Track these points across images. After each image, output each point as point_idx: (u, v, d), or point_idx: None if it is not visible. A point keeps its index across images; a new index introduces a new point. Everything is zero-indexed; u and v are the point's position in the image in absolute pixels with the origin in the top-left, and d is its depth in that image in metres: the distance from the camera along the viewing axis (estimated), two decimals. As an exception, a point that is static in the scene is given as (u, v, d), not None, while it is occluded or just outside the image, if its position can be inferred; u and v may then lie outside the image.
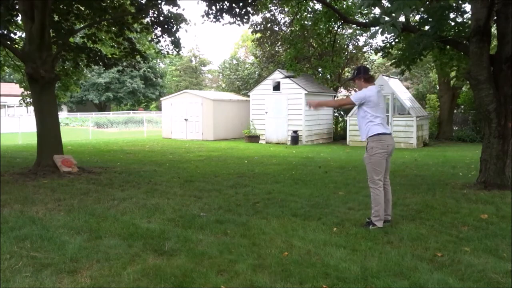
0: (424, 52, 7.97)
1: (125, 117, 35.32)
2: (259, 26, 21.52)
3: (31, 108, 12.32)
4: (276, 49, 23.04)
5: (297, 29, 13.35)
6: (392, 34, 6.16)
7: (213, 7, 10.37)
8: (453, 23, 7.55)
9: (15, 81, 19.84)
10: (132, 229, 4.59)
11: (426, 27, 7.56)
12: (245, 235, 4.43)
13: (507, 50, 6.69)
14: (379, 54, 9.73)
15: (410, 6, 4.31)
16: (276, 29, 21.68)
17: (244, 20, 10.71)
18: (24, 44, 9.07)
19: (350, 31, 21.11)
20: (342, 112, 21.30)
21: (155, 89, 45.46)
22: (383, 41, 9.26)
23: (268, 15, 21.12)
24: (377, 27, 4.37)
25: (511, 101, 6.74)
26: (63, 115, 36.62)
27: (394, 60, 8.49)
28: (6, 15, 9.49)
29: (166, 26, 10.96)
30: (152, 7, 10.65)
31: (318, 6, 12.65)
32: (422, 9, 7.88)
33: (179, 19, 10.92)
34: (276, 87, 17.76)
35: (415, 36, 7.47)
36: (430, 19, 7.05)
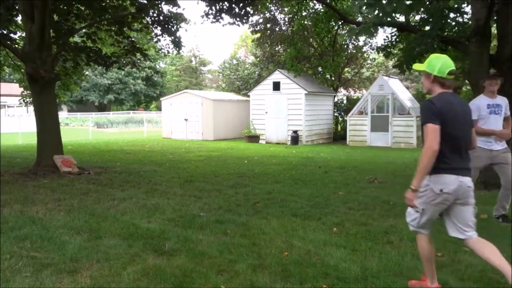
0: (426, 55, 7.97)
1: (125, 117, 35.29)
2: (258, 26, 21.53)
3: (31, 108, 12.32)
4: (276, 49, 23.03)
5: (297, 29, 13.36)
6: (373, 35, 6.19)
7: (213, 8, 10.37)
8: (453, 23, 7.56)
9: (15, 80, 19.84)
10: (132, 229, 4.59)
11: (427, 28, 7.56)
12: (245, 235, 4.43)
13: (507, 50, 6.70)
14: (380, 53, 9.72)
15: (393, 10, 4.34)
16: (276, 29, 21.68)
17: (244, 21, 10.72)
18: (24, 44, 9.07)
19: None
20: (342, 112, 21.31)
21: (155, 88, 45.49)
22: (384, 39, 9.28)
23: (268, 15, 21.13)
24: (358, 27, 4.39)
25: (511, 101, 6.74)
26: (63, 115, 36.60)
27: (397, 63, 8.48)
28: (7, 15, 9.49)
29: (166, 25, 10.96)
30: (152, 7, 10.65)
31: (318, 6, 12.67)
32: (422, 9, 7.88)
33: (179, 18, 10.93)
34: (276, 87, 17.77)
35: (416, 37, 7.47)
36: (430, 19, 7.06)
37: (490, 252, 3.03)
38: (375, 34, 6.81)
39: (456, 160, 2.98)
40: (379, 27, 6.60)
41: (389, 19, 5.90)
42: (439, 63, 3.00)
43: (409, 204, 3.02)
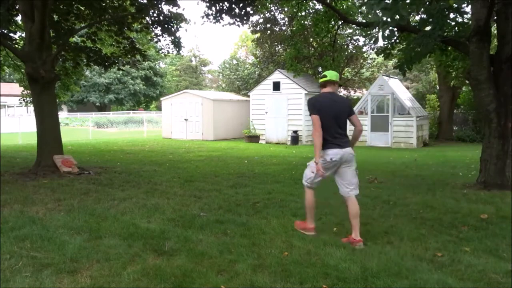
0: (427, 55, 7.95)
1: (125, 117, 35.30)
2: (258, 26, 21.53)
3: (31, 108, 12.32)
4: (276, 49, 23.04)
5: (297, 29, 13.37)
6: (390, 37, 6.16)
7: (213, 8, 10.37)
8: (453, 23, 7.56)
9: (15, 80, 19.83)
10: (132, 229, 4.58)
11: (427, 28, 7.55)
12: (245, 235, 4.43)
13: (507, 50, 6.69)
14: (381, 55, 9.70)
15: (401, 15, 4.34)
16: (276, 29, 21.69)
17: (244, 21, 10.71)
18: (24, 44, 9.07)
19: (350, 30, 21.13)
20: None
21: (155, 89, 45.50)
22: (384, 42, 9.26)
23: (268, 15, 21.13)
24: (375, 29, 4.39)
25: (511, 101, 6.74)
26: (63, 115, 36.60)
27: (398, 64, 8.45)
28: (7, 16, 9.47)
29: (166, 25, 10.96)
30: (152, 7, 10.65)
31: (318, 6, 12.67)
32: (422, 9, 7.87)
33: (179, 18, 10.92)
34: (276, 87, 17.76)
35: (416, 37, 7.46)
36: (430, 20, 7.05)
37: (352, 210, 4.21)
38: (392, 38, 6.79)
39: (335, 138, 4.19)
40: (395, 29, 6.55)
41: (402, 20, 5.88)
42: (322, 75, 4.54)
43: (320, 175, 4.20)
